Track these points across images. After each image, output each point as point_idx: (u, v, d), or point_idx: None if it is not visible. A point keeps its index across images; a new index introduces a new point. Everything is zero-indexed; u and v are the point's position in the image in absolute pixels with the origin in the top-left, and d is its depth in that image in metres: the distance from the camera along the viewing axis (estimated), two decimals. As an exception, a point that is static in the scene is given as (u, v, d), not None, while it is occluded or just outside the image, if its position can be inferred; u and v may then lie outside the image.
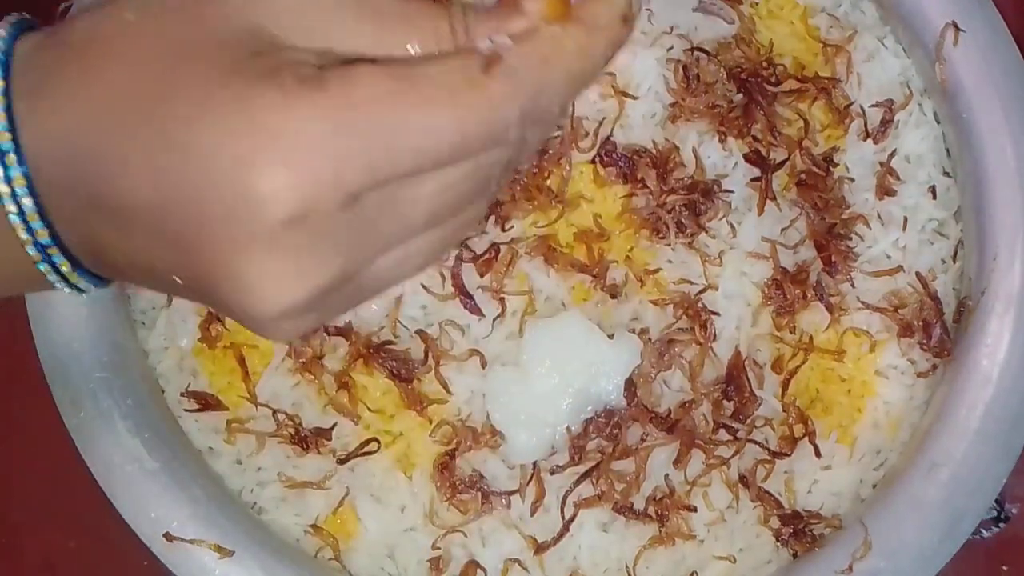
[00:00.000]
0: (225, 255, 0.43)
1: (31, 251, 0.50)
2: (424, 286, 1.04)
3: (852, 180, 1.09)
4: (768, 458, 1.02)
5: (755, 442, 1.02)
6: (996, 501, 1.05)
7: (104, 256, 0.50)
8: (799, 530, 1.02)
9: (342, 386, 1.03)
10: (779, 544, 1.02)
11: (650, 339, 1.03)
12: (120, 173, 0.45)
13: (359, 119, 0.41)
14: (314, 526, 1.03)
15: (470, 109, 0.42)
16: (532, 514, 1.01)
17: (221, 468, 1.04)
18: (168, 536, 0.97)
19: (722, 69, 1.09)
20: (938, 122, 1.13)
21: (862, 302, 1.06)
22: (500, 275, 1.04)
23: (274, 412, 1.02)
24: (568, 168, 1.07)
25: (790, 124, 1.10)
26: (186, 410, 1.04)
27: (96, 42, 0.48)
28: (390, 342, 1.03)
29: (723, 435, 1.03)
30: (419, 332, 1.03)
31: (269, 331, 0.47)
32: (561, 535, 1.00)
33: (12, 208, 0.48)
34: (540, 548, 1.01)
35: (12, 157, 0.47)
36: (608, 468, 1.00)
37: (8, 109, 0.47)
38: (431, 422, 1.03)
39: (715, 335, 1.04)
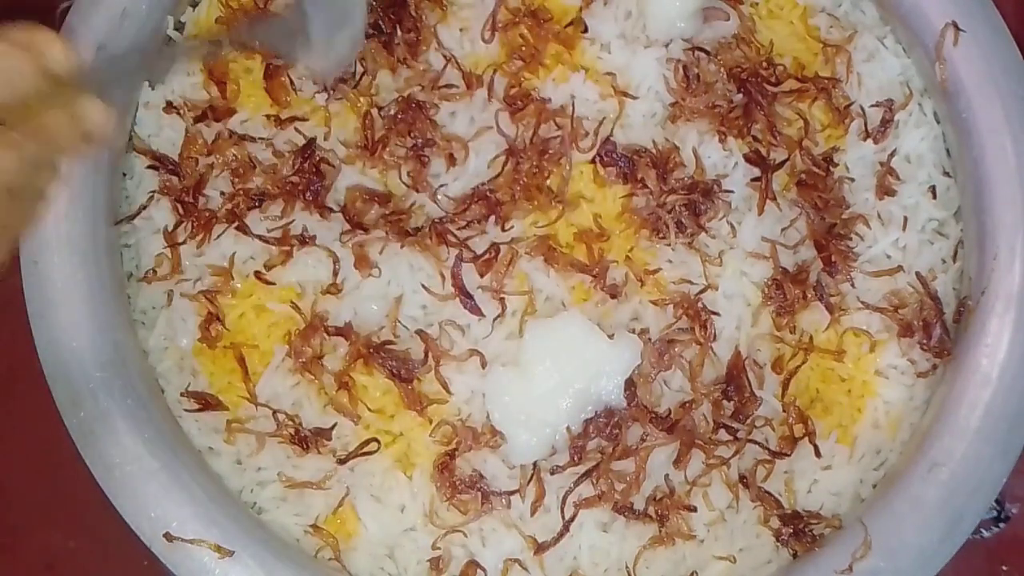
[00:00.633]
0: None
1: None
2: (424, 286, 1.04)
3: (852, 180, 1.09)
4: (768, 458, 1.02)
5: (755, 442, 1.02)
6: (996, 501, 1.06)
7: None
8: (799, 530, 1.02)
9: (342, 386, 1.03)
10: (779, 544, 1.02)
11: (650, 339, 1.03)
12: None
13: None
14: (314, 526, 1.03)
15: None
16: (532, 514, 1.01)
17: (221, 468, 1.04)
18: (168, 536, 0.97)
19: (722, 69, 1.09)
20: (938, 122, 1.13)
21: (862, 302, 1.07)
22: (500, 275, 1.04)
23: (274, 412, 1.02)
24: (568, 168, 1.07)
25: (790, 124, 1.10)
26: (186, 410, 1.04)
27: None
28: (390, 342, 1.03)
29: (723, 435, 1.03)
30: (419, 332, 1.03)
31: None
32: (561, 535, 1.00)
33: None
34: (540, 548, 1.01)
35: None
36: (608, 468, 1.00)
37: None
38: (431, 422, 1.03)
39: (715, 335, 1.04)
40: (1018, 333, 1.02)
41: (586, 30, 1.10)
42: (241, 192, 1.06)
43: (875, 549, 0.98)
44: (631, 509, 1.01)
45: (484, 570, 1.01)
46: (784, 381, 1.04)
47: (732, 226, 1.07)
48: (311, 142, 1.06)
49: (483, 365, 1.03)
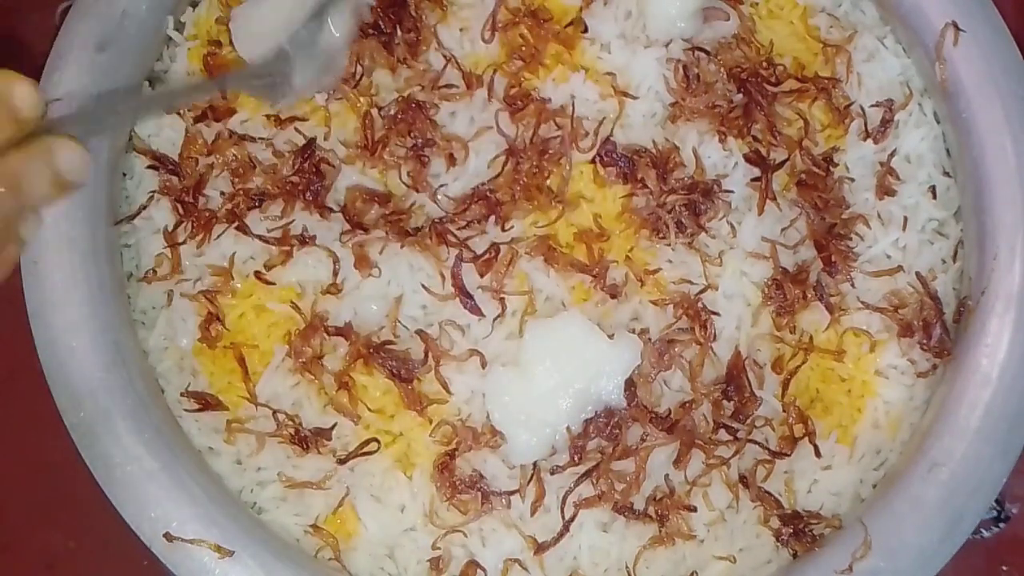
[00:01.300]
0: None
1: None
2: (424, 286, 1.04)
3: (852, 180, 1.09)
4: (768, 458, 1.02)
5: (755, 442, 1.02)
6: (996, 501, 1.06)
7: None
8: (799, 530, 1.02)
9: (342, 386, 1.03)
10: (779, 544, 1.02)
11: (650, 339, 1.03)
12: None
13: None
14: (314, 526, 1.03)
15: None
16: (532, 514, 1.01)
17: (221, 468, 1.04)
18: (168, 536, 0.97)
19: (722, 69, 1.09)
20: (938, 122, 1.13)
21: (862, 302, 1.07)
22: (500, 275, 1.04)
23: (274, 412, 1.02)
24: (568, 168, 1.07)
25: (790, 124, 1.10)
26: (186, 410, 1.04)
27: None
28: (390, 342, 1.03)
29: (723, 435, 1.03)
30: (419, 332, 1.03)
31: None
32: (561, 535, 1.00)
33: None
34: (540, 548, 1.01)
35: None
36: (608, 468, 1.00)
37: None
38: (431, 422, 1.03)
39: (715, 335, 1.04)
40: (1018, 333, 1.02)
41: (586, 30, 1.10)
42: (241, 192, 1.06)
43: (875, 549, 0.98)
44: (631, 509, 1.01)
45: (484, 570, 1.01)
46: (784, 381, 1.04)
47: (732, 226, 1.07)
48: (311, 142, 1.06)
49: (483, 365, 1.03)
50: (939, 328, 1.05)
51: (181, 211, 1.06)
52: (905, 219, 1.08)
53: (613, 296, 1.05)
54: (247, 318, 1.05)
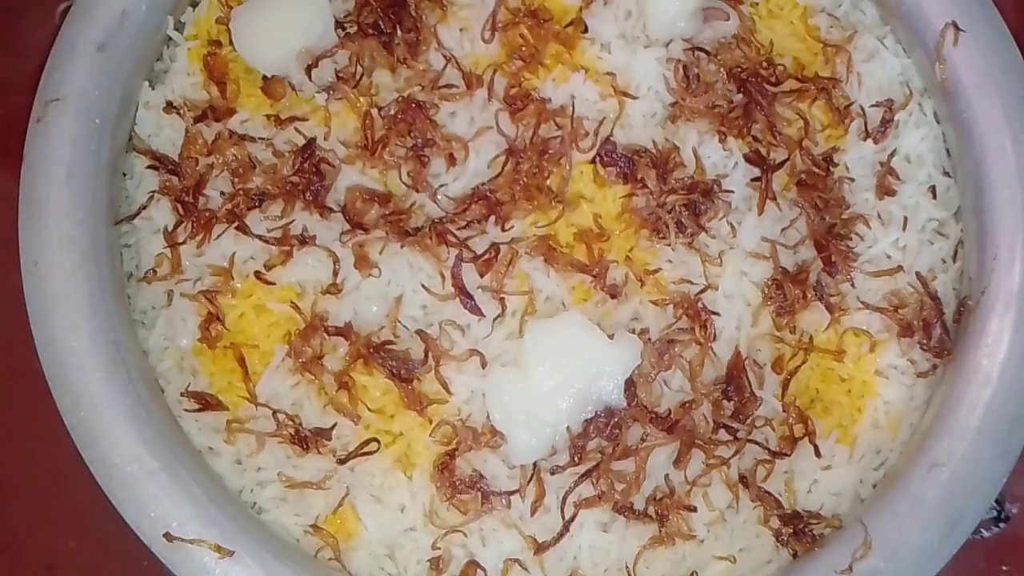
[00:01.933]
0: None
1: None
2: (424, 286, 1.04)
3: (852, 180, 1.09)
4: (768, 458, 1.02)
5: (755, 442, 1.02)
6: (996, 501, 1.06)
7: None
8: (799, 530, 1.02)
9: (342, 386, 1.03)
10: (779, 544, 1.02)
11: (650, 339, 1.03)
12: None
13: None
14: (314, 526, 1.03)
15: None
16: (532, 514, 1.01)
17: (221, 468, 1.04)
18: (168, 536, 0.97)
19: (722, 69, 1.09)
20: (938, 122, 1.13)
21: (862, 302, 1.07)
22: (500, 275, 1.04)
23: (274, 412, 1.02)
24: (568, 168, 1.07)
25: (790, 124, 1.10)
26: (186, 410, 1.04)
27: None
28: (390, 342, 1.03)
29: (723, 435, 1.03)
30: (419, 332, 1.03)
31: None
32: (561, 535, 1.00)
33: None
34: (540, 548, 1.01)
35: None
36: (608, 468, 1.00)
37: None
38: (431, 422, 1.03)
39: (715, 335, 1.04)
40: (1018, 333, 1.02)
41: (586, 30, 1.10)
42: (241, 192, 1.06)
43: (875, 549, 0.98)
44: (631, 509, 1.01)
45: (484, 570, 1.01)
46: (784, 381, 1.04)
47: (732, 226, 1.07)
48: (311, 142, 1.06)
49: (483, 365, 1.03)
50: (939, 328, 1.05)
51: (181, 211, 1.06)
52: (905, 219, 1.08)
53: (613, 296, 1.05)
54: (247, 318, 1.05)
